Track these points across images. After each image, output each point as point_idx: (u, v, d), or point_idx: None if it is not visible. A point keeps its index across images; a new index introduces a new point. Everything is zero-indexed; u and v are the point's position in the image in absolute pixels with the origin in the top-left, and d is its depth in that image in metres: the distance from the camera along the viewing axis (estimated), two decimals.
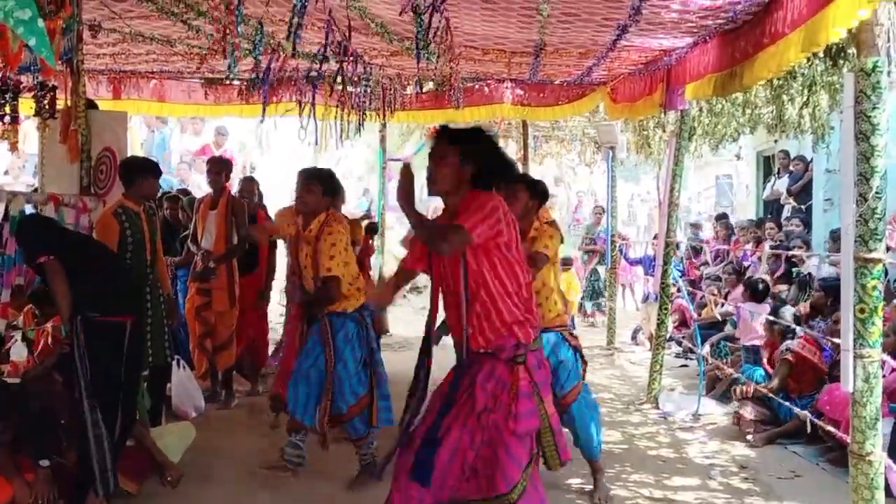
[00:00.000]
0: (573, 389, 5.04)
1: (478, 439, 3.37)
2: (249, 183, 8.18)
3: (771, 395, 6.37)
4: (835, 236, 9.12)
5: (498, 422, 3.36)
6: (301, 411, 5.14)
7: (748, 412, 6.51)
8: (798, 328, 6.85)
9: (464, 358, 3.51)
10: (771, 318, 6.99)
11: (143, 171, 5.72)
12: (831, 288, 7.30)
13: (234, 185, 8.12)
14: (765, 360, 7.04)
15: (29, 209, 5.28)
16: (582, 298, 12.16)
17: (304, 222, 5.19)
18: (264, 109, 6.85)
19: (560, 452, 3.78)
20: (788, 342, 6.71)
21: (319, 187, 5.12)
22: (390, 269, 3.80)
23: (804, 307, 7.78)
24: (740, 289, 8.92)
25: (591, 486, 5.20)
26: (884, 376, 4.38)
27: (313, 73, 8.02)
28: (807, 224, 11.09)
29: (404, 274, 3.85)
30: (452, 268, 3.47)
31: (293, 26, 4.54)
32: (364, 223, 8.12)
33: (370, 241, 8.47)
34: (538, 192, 5.06)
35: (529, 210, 4.97)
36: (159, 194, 7.13)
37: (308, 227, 5.14)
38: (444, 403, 3.46)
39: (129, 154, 6.38)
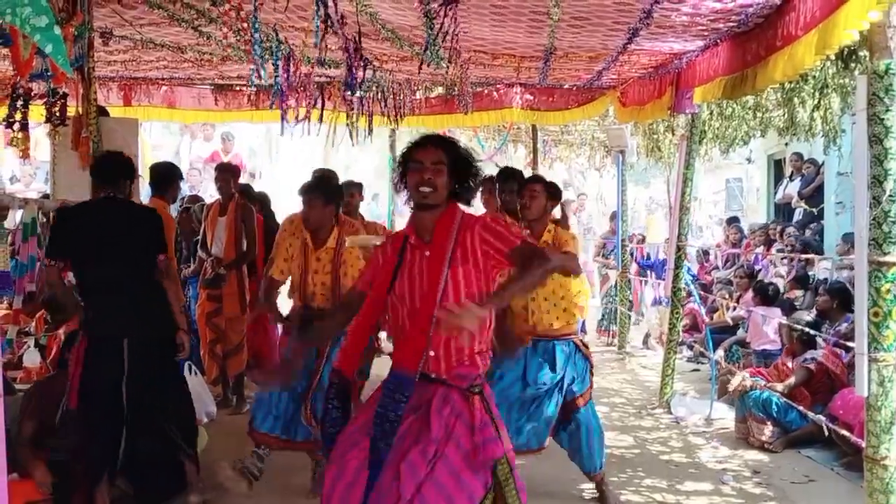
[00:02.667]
0: (584, 394, 5.02)
1: (421, 472, 2.97)
2: (227, 173, 7.65)
3: (775, 393, 6.33)
4: (847, 240, 9.09)
5: (449, 453, 3.01)
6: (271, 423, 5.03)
7: (757, 430, 6.44)
8: (820, 337, 6.78)
9: (406, 382, 3.11)
10: (790, 324, 6.91)
11: (173, 175, 6.05)
12: (837, 291, 7.27)
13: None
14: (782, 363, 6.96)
15: (41, 217, 5.31)
16: (601, 319, 12.05)
17: (313, 237, 5.11)
18: (283, 118, 6.81)
19: (519, 492, 3.13)
20: (813, 352, 6.64)
21: (320, 199, 5.01)
22: None
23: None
24: (751, 292, 8.89)
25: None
26: None
27: (323, 80, 8.05)
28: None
29: (356, 297, 3.39)
30: (429, 286, 3.12)
31: (320, 34, 4.50)
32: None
33: None
34: (555, 193, 5.07)
35: (546, 212, 4.97)
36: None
37: (321, 241, 5.07)
38: (381, 428, 3.08)
39: (139, 160, 6.41)
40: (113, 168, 4.92)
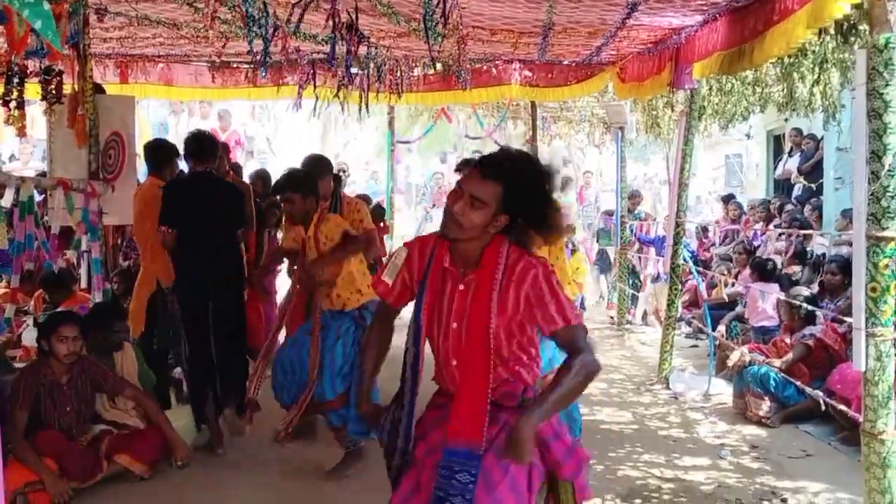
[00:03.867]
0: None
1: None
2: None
3: (773, 368, 6.34)
4: (846, 215, 9.07)
5: (517, 476, 2.64)
6: (279, 390, 5.13)
7: (755, 406, 6.46)
8: (820, 312, 6.78)
9: (472, 459, 2.62)
10: (788, 299, 6.91)
11: (169, 152, 6.08)
12: (844, 266, 7.21)
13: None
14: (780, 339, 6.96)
15: (37, 194, 5.30)
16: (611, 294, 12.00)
17: (304, 229, 5.11)
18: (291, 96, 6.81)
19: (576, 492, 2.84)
20: (811, 328, 6.63)
21: (297, 194, 4.98)
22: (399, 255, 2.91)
23: (814, 289, 7.72)
24: (749, 269, 8.89)
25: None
26: None
27: (319, 56, 8.00)
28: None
29: (390, 312, 3.03)
30: (475, 333, 2.70)
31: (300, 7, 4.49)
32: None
33: (381, 224, 8.45)
34: None
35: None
36: None
37: (308, 232, 5.07)
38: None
39: (136, 138, 6.40)
40: (209, 145, 5.70)
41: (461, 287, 2.72)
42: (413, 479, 2.74)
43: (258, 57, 5.78)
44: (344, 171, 11.31)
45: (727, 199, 13.30)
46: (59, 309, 6.29)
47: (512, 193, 2.64)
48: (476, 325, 2.67)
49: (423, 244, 2.87)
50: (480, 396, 2.65)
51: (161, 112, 16.14)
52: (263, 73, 6.71)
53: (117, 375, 5.27)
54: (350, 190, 10.20)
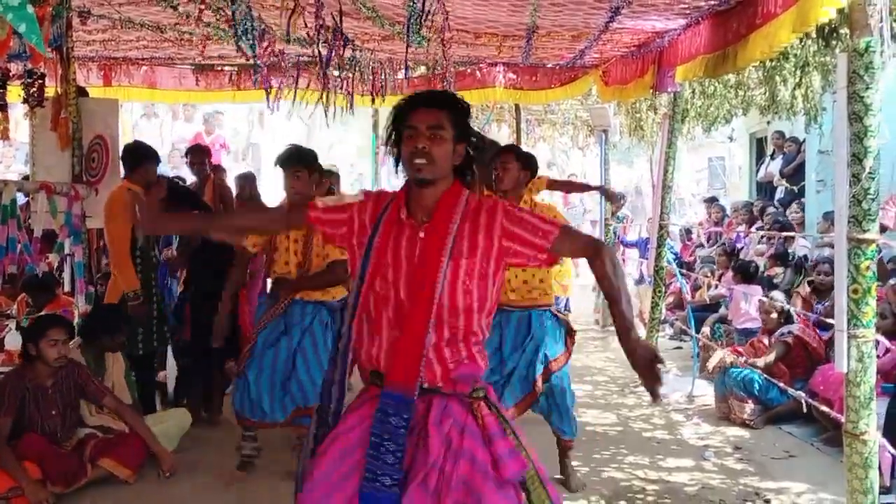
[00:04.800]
0: (559, 358, 4.90)
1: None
2: (199, 154, 7.72)
3: (761, 373, 6.37)
4: (828, 218, 9.12)
5: (468, 476, 2.50)
6: (268, 408, 4.87)
7: (738, 409, 6.48)
8: (793, 310, 6.83)
9: (404, 403, 2.53)
10: (770, 300, 6.95)
11: (146, 156, 5.85)
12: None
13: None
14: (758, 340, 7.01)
15: (21, 198, 5.27)
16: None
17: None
18: (268, 96, 6.84)
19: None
20: (789, 326, 6.68)
21: (305, 171, 4.72)
22: None
23: (803, 290, 7.76)
24: (731, 271, 8.93)
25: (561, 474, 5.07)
26: (878, 356, 4.39)
27: (304, 59, 8.00)
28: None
29: (297, 219, 2.89)
30: (424, 279, 2.56)
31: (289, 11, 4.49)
32: None
33: None
34: (530, 163, 4.90)
35: (520, 183, 4.83)
36: None
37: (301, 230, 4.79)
38: (376, 464, 2.51)
39: (120, 141, 6.37)
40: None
41: (421, 235, 2.60)
42: (340, 446, 2.61)
43: (248, 61, 5.79)
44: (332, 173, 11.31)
45: (711, 202, 13.38)
46: (42, 312, 6.26)
47: (458, 118, 2.63)
48: (429, 267, 2.56)
49: (382, 196, 2.78)
50: (418, 340, 2.54)
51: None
52: (256, 79, 6.70)
53: (100, 383, 5.23)
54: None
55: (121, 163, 6.08)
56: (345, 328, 2.69)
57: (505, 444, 2.58)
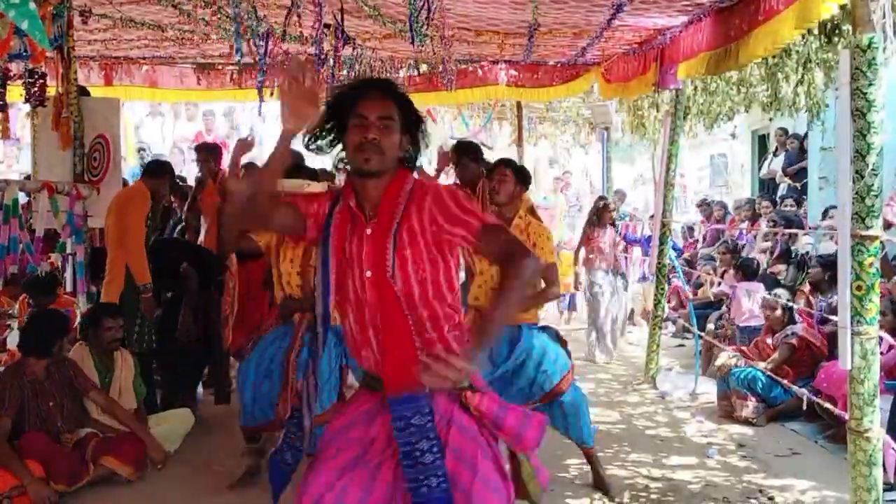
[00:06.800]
0: (565, 377, 4.69)
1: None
2: (206, 151, 7.59)
3: (765, 372, 6.36)
4: (828, 214, 9.11)
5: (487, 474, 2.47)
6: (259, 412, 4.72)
7: (740, 407, 6.47)
8: (796, 307, 6.82)
9: (419, 401, 2.46)
10: (773, 299, 6.92)
11: (168, 172, 6.22)
12: (828, 264, 7.25)
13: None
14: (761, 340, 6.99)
15: (22, 197, 5.27)
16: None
17: None
18: (260, 97, 6.83)
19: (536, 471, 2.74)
20: (793, 326, 6.66)
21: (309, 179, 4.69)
22: None
23: (805, 287, 7.74)
24: (733, 269, 8.92)
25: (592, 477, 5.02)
26: (882, 353, 4.38)
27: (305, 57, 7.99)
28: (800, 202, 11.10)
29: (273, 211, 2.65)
30: (378, 272, 2.51)
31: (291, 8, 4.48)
32: None
33: None
34: (524, 178, 4.85)
35: (515, 197, 4.76)
36: None
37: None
38: (415, 470, 2.44)
39: (122, 140, 6.41)
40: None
41: (368, 231, 2.53)
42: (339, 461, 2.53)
43: (254, 59, 5.78)
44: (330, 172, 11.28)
45: (711, 203, 13.34)
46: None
47: (403, 108, 2.55)
48: (380, 267, 2.50)
49: (331, 191, 2.75)
50: (406, 338, 2.49)
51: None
52: (260, 79, 6.70)
53: (86, 377, 5.20)
54: None
55: (128, 164, 6.19)
56: (318, 344, 2.65)
57: (514, 415, 2.55)
